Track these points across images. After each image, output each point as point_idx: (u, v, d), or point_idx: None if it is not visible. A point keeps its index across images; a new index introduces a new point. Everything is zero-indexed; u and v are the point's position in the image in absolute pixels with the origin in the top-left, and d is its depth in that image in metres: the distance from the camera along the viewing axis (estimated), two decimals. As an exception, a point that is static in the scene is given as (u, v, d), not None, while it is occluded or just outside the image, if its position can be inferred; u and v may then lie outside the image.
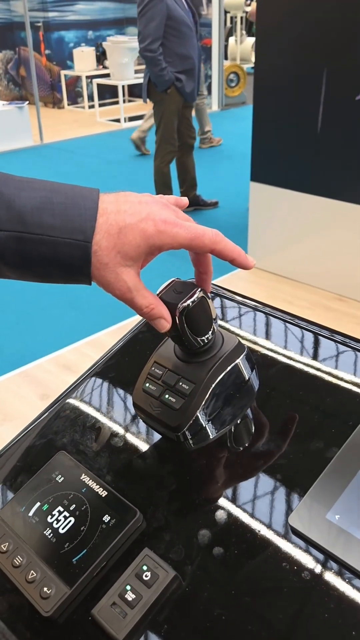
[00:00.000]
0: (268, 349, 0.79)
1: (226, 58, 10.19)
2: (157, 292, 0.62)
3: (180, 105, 4.43)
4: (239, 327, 0.84)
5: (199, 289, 0.62)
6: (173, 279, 0.65)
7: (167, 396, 0.66)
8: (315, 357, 0.76)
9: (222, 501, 0.62)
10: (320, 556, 0.55)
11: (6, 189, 0.54)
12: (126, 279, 0.57)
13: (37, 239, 0.54)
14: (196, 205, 5.01)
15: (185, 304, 0.61)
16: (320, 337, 0.80)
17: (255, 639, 0.51)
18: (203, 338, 0.64)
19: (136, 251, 0.56)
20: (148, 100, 4.49)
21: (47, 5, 9.68)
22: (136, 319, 0.80)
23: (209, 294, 0.63)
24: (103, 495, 0.63)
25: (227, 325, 0.84)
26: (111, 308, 3.39)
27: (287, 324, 0.83)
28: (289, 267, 3.81)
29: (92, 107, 9.99)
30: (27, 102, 8.00)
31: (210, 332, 0.64)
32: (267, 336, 0.82)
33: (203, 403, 0.65)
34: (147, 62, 4.19)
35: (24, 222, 0.53)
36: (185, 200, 0.65)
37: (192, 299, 0.61)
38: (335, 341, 0.78)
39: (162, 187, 4.70)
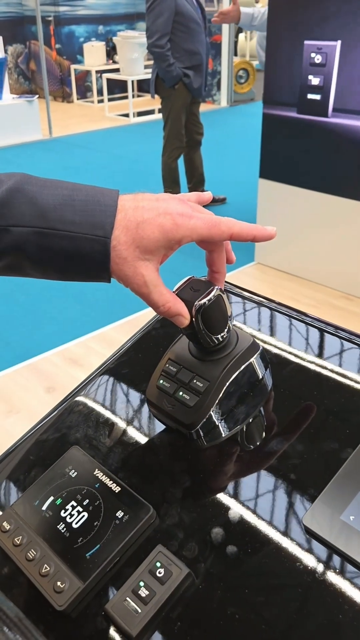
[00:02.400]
0: (280, 347, 0.79)
1: (236, 54, 10.15)
2: (174, 290, 0.63)
3: (188, 101, 4.43)
4: (249, 324, 0.84)
5: (216, 287, 0.62)
6: (189, 276, 0.65)
7: (181, 393, 0.66)
8: (330, 356, 0.76)
9: (235, 499, 0.62)
10: (335, 557, 0.55)
11: (30, 186, 0.56)
12: (144, 272, 0.57)
13: (59, 235, 0.55)
14: (204, 202, 5.00)
15: (202, 302, 0.61)
16: (334, 337, 0.79)
17: (268, 638, 0.51)
18: (218, 336, 0.64)
19: (155, 245, 0.57)
20: (156, 95, 4.49)
21: (58, 0, 9.66)
22: (143, 314, 0.80)
23: (223, 291, 0.63)
24: (116, 491, 0.63)
25: (236, 321, 0.84)
26: (117, 303, 3.39)
27: (298, 322, 0.83)
28: (296, 264, 3.80)
29: (101, 101, 9.98)
30: (37, 95, 8.00)
31: (225, 331, 0.64)
32: (280, 334, 0.81)
33: (217, 401, 0.65)
34: (155, 57, 4.20)
35: (46, 218, 0.55)
36: (207, 195, 0.65)
37: (208, 297, 0.61)
38: (348, 340, 0.78)
39: (170, 182, 4.70)
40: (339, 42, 3.02)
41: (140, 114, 9.13)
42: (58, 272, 0.58)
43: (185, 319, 0.61)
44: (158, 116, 8.38)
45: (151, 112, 9.09)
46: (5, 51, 9.26)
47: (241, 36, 11.04)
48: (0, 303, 3.55)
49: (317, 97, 3.20)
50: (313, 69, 3.16)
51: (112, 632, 0.54)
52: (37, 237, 0.55)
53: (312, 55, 3.13)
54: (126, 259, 0.56)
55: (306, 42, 3.13)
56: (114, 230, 0.56)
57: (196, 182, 4.93)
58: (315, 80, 3.17)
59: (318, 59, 3.12)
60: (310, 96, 3.24)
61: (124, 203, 0.57)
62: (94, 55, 9.88)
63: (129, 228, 0.56)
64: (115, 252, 0.56)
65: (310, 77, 3.19)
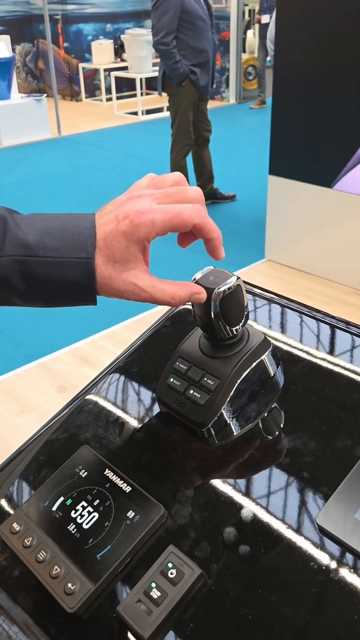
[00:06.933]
0: (292, 344, 0.78)
1: (244, 51, 10.10)
2: (193, 278, 0.63)
3: (196, 98, 4.43)
4: (260, 321, 0.83)
5: (236, 277, 0.62)
6: (210, 267, 0.65)
7: (191, 391, 0.66)
8: (341, 353, 0.75)
9: (247, 498, 0.61)
10: (349, 556, 0.54)
11: (3, 227, 0.56)
12: (134, 281, 0.57)
13: (42, 261, 0.55)
14: (213, 199, 5.00)
15: (222, 289, 0.60)
16: (344, 332, 0.78)
17: (282, 639, 0.50)
18: (234, 328, 0.63)
19: (127, 253, 0.56)
20: (163, 93, 4.49)
21: (65, -2, 9.69)
22: (154, 311, 0.79)
23: (242, 282, 0.63)
24: (127, 491, 0.62)
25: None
26: (128, 302, 3.38)
27: (310, 318, 0.81)
28: (307, 261, 3.78)
29: (109, 99, 9.99)
30: (45, 94, 8.01)
31: (241, 324, 0.63)
32: (291, 331, 0.80)
33: (228, 399, 0.64)
34: (161, 55, 4.21)
35: (27, 247, 0.55)
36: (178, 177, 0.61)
37: (228, 285, 0.60)
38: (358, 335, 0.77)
39: (180, 180, 4.69)
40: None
41: (149, 111, 9.12)
42: (42, 299, 0.58)
43: (202, 294, 0.60)
44: (167, 114, 8.34)
45: (160, 109, 9.08)
46: (14, 50, 9.27)
47: (249, 33, 10.98)
48: (11, 302, 3.56)
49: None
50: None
51: (124, 634, 0.53)
52: (20, 265, 0.55)
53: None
54: (111, 276, 0.56)
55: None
56: (96, 250, 0.56)
57: (205, 180, 4.92)
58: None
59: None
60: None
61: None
62: (102, 54, 9.88)
63: (100, 247, 0.56)
64: (99, 273, 0.56)
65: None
